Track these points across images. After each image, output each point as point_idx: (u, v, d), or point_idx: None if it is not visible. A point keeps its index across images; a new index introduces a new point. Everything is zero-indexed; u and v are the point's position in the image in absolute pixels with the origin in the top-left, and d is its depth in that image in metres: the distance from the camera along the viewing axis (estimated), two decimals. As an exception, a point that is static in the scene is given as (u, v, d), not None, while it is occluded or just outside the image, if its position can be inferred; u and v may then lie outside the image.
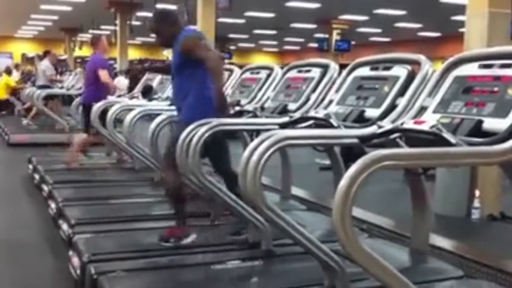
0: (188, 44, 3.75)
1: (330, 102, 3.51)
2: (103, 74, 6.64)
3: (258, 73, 4.76)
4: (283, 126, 3.36)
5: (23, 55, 30.50)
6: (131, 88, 8.41)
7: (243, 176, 2.50)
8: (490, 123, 2.48)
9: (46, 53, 12.02)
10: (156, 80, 7.14)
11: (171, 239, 3.78)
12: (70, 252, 3.79)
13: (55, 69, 12.16)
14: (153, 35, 4.04)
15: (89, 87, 6.93)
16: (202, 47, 3.73)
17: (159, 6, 15.85)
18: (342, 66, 3.81)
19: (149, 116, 4.74)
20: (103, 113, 5.58)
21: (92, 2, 16.91)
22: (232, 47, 28.84)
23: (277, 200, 4.89)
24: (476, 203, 5.58)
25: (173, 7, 14.04)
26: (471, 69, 2.80)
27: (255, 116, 4.08)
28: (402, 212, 3.85)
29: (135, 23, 17.17)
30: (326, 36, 19.93)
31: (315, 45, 21.13)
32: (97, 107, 5.76)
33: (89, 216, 4.47)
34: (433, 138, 2.46)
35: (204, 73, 3.73)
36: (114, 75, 16.72)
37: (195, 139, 3.30)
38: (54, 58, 11.92)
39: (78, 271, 3.47)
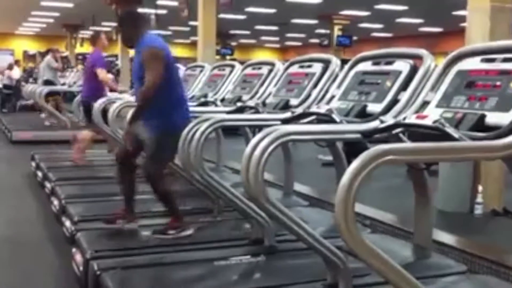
0: (144, 55, 3.80)
1: (332, 97, 3.50)
2: (101, 73, 6.68)
3: (259, 68, 4.75)
4: (285, 121, 3.35)
5: (25, 52, 30.48)
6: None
7: (245, 171, 2.49)
8: (493, 118, 2.46)
9: (48, 51, 12.08)
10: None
11: (170, 231, 3.84)
12: (73, 249, 3.80)
13: None
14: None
15: (87, 85, 6.96)
16: (152, 67, 3.74)
17: (160, 2, 15.88)
18: (344, 62, 3.80)
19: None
20: (105, 109, 5.59)
21: (93, -2, 16.92)
22: (234, 43, 28.79)
23: (279, 196, 4.89)
24: (479, 199, 5.57)
25: (174, 2, 14.04)
26: (473, 63, 2.78)
27: (257, 111, 4.08)
28: (405, 208, 3.84)
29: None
30: (328, 31, 19.88)
31: (316, 40, 21.07)
32: (98, 104, 5.76)
33: (92, 213, 4.46)
34: (436, 133, 2.45)
35: (165, 82, 3.77)
36: (116, 72, 16.73)
37: (197, 135, 3.30)
38: (57, 53, 11.97)
39: (81, 268, 3.48)
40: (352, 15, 19.49)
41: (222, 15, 14.81)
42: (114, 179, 4.44)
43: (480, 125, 2.48)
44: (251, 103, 4.23)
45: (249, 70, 4.93)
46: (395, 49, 3.45)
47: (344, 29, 19.75)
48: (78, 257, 3.61)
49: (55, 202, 5.17)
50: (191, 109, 4.16)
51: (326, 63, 3.89)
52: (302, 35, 27.94)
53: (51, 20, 23.69)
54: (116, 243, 3.73)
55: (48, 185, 5.87)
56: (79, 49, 25.56)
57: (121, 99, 5.50)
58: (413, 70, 3.09)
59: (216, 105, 4.82)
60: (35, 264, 4.07)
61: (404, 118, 2.70)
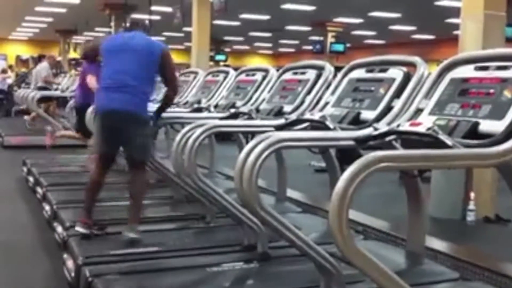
0: (170, 60, 4.11)
1: (326, 104, 3.50)
2: (90, 80, 6.74)
3: (253, 75, 4.75)
4: (278, 128, 3.35)
5: (18, 57, 30.39)
6: None
7: (238, 178, 2.48)
8: (486, 125, 2.47)
9: (40, 58, 12.06)
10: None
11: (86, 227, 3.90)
12: (65, 255, 3.77)
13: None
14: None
15: (81, 90, 6.96)
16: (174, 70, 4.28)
17: (154, 8, 15.86)
18: (337, 69, 3.80)
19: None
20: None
21: (86, 4, 16.86)
22: (227, 49, 28.82)
23: (272, 202, 4.88)
24: (471, 206, 5.58)
25: (168, 8, 14.06)
26: (467, 71, 2.80)
27: (251, 118, 4.07)
28: (398, 215, 3.85)
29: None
30: (321, 38, 19.96)
31: (310, 47, 21.14)
32: (91, 110, 5.74)
33: (84, 219, 4.43)
34: (429, 140, 2.46)
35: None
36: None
37: (190, 141, 3.28)
38: (52, 59, 11.95)
39: (73, 274, 3.46)
40: (345, 22, 19.57)
41: (216, 21, 14.82)
42: (105, 184, 4.41)
43: (473, 133, 2.48)
44: (244, 109, 4.23)
45: (243, 76, 4.93)
46: (388, 57, 3.46)
47: (338, 36, 19.82)
48: (70, 263, 3.58)
49: (47, 207, 5.14)
50: (185, 115, 4.18)
51: (320, 69, 3.90)
52: (296, 42, 28.03)
53: (44, 25, 23.63)
54: (108, 249, 3.71)
55: (39, 190, 5.84)
56: (72, 54, 25.49)
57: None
58: (407, 78, 3.10)
59: (210, 111, 4.81)
60: (26, 270, 4.04)
61: (398, 125, 2.70)
